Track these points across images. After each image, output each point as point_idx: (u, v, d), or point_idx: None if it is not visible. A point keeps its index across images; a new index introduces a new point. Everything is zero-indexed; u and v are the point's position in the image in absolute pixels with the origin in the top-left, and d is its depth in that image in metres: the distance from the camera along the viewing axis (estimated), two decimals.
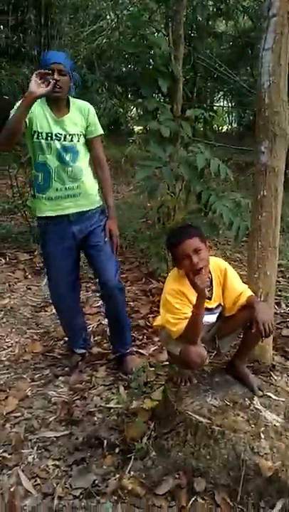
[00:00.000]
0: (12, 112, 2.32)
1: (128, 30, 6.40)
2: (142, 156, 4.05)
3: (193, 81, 8.10)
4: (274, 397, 2.10)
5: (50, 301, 3.66)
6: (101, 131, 2.58)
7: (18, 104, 2.29)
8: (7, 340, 3.27)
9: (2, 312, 3.70)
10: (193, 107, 4.16)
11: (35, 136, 2.42)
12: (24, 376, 2.81)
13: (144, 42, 4.04)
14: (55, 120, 2.42)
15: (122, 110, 9.75)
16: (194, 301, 1.92)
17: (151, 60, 4.28)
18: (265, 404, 2.04)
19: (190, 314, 1.94)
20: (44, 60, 2.35)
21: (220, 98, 15.17)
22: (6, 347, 3.18)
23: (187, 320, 1.94)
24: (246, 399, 2.06)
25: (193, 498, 1.85)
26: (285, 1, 1.94)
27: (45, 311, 3.74)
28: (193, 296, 1.94)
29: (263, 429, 1.90)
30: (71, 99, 2.50)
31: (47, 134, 2.41)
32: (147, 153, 3.88)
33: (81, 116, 2.49)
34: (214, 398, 2.06)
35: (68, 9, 7.66)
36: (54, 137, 2.42)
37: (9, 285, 4.26)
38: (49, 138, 2.42)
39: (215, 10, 5.49)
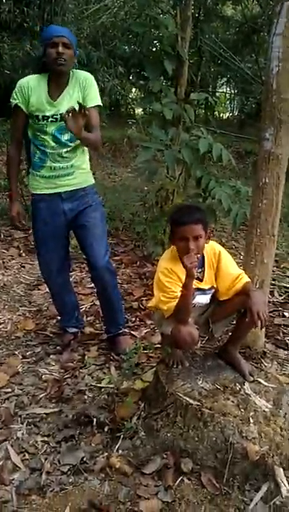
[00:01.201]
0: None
1: (133, 10, 6.30)
2: (143, 138, 4.02)
3: (198, 65, 7.99)
4: (264, 383, 2.11)
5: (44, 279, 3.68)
6: (97, 102, 2.49)
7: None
8: None
9: None
10: (196, 92, 4.12)
11: (34, 119, 2.42)
12: (16, 353, 2.82)
13: (150, 22, 3.97)
14: (51, 103, 2.39)
15: (123, 91, 9.65)
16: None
17: (156, 41, 4.22)
18: (255, 389, 2.06)
19: (180, 293, 1.95)
20: (46, 34, 2.32)
21: (222, 84, 15.04)
22: None
23: (177, 299, 1.95)
24: (237, 384, 2.08)
25: (179, 479, 1.87)
26: None
27: (39, 289, 3.74)
28: (184, 276, 1.94)
29: (252, 413, 1.92)
30: (72, 72, 2.45)
31: (43, 116, 2.40)
32: (147, 136, 3.85)
33: (78, 89, 2.43)
34: (205, 381, 2.08)
35: None
36: (50, 119, 2.40)
37: (3, 262, 4.25)
38: (45, 120, 2.40)
39: None
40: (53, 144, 2.43)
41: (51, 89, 2.40)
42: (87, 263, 2.69)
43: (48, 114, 2.39)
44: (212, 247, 2.12)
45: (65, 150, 2.46)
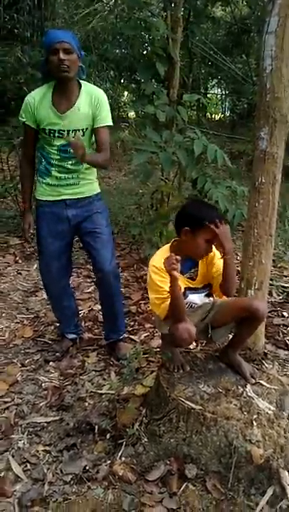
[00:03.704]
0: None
1: (124, 13, 6.30)
2: (136, 142, 4.00)
3: (190, 66, 7.99)
4: (266, 384, 2.09)
5: (41, 286, 3.64)
6: (109, 122, 2.47)
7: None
8: None
9: None
10: (188, 93, 4.11)
11: (41, 132, 2.42)
12: (14, 361, 2.79)
13: (141, 24, 3.97)
14: (58, 116, 2.35)
15: (114, 95, 9.65)
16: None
17: (146, 44, 4.21)
18: (257, 392, 2.04)
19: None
20: (47, 42, 2.26)
21: (214, 85, 15.04)
22: None
23: (170, 299, 1.94)
24: (239, 386, 2.06)
25: (184, 485, 1.84)
26: None
27: (36, 296, 3.71)
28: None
29: (255, 416, 1.90)
30: (83, 84, 2.41)
31: (50, 130, 2.38)
32: (140, 139, 3.83)
33: (90, 107, 2.39)
34: (207, 385, 2.05)
35: None
36: (57, 134, 2.38)
37: None
38: (52, 134, 2.39)
39: None
40: (58, 156, 2.43)
41: (57, 99, 2.36)
42: (93, 267, 2.69)
43: (55, 128, 2.37)
44: None
45: (70, 162, 2.44)
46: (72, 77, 2.33)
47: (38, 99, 2.37)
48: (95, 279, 2.75)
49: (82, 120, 2.40)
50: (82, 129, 2.42)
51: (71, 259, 2.79)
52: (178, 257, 1.84)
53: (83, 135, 2.43)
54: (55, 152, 2.42)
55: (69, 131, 2.38)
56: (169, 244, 2.13)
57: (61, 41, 2.23)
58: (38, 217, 2.60)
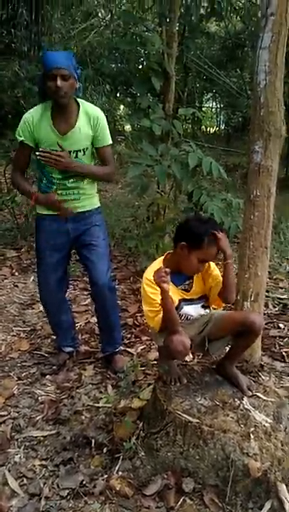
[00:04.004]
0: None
1: (119, 28, 6.39)
2: (132, 154, 4.04)
3: (185, 80, 8.09)
4: (263, 397, 2.09)
5: (38, 298, 3.64)
6: (109, 142, 2.52)
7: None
8: None
9: None
10: (183, 107, 4.17)
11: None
12: (11, 374, 2.77)
13: (136, 39, 4.03)
14: (60, 137, 2.38)
15: (110, 108, 9.72)
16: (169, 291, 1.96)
17: (142, 59, 4.27)
18: (254, 404, 2.04)
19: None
20: (46, 65, 2.26)
21: (209, 99, 15.20)
22: None
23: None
24: (236, 399, 2.05)
25: (181, 499, 1.83)
26: (283, 0, 1.93)
27: (33, 308, 3.70)
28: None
29: (252, 429, 1.89)
30: (81, 103, 2.43)
31: (51, 150, 2.38)
32: (136, 152, 3.87)
33: (89, 126, 2.42)
34: (204, 398, 2.05)
35: (60, 6, 7.59)
36: None
37: None
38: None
39: (208, 10, 5.49)
40: (60, 176, 2.45)
41: (56, 120, 2.37)
42: (89, 280, 2.70)
43: (55, 148, 2.38)
44: None
45: (71, 180, 2.46)
46: (68, 101, 2.35)
47: (36, 118, 2.38)
48: (91, 292, 2.75)
49: (82, 140, 2.42)
50: (83, 149, 2.44)
51: (68, 271, 2.80)
52: (167, 270, 1.85)
53: (84, 154, 2.46)
54: (57, 171, 2.43)
55: (70, 152, 2.40)
56: (163, 257, 2.14)
57: (59, 67, 2.23)
58: (38, 230, 2.61)
